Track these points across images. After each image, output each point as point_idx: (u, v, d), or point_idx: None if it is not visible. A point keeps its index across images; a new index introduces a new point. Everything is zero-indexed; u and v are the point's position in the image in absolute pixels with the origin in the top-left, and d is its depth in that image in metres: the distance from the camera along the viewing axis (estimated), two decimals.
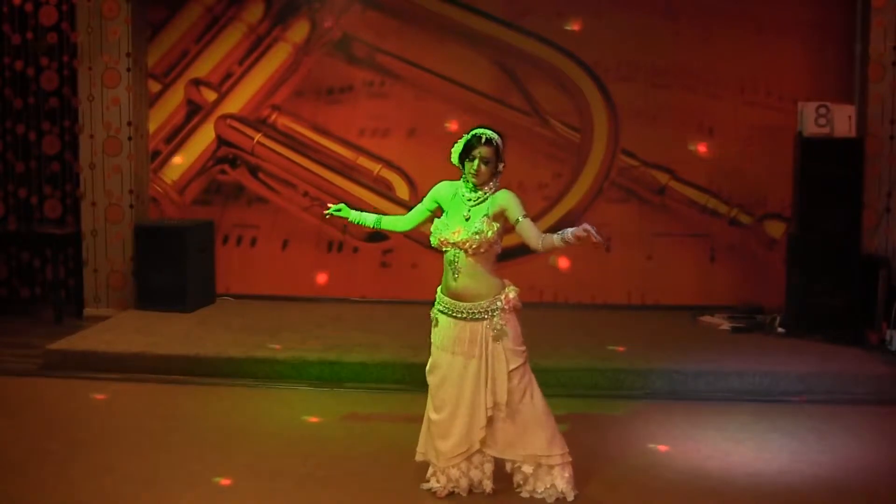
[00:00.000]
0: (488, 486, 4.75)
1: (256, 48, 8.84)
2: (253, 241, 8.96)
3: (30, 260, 9.00)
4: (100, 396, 6.45)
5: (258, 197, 8.92)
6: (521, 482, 4.74)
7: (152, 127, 8.90)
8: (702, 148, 8.42)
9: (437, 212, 4.92)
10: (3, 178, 8.96)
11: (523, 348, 4.72)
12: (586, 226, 4.39)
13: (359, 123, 8.80)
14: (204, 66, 8.89)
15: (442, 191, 4.84)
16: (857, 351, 7.15)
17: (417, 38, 8.69)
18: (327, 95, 8.81)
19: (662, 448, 5.50)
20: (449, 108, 8.58)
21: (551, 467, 4.69)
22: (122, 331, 7.66)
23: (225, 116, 8.90)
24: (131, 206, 8.61)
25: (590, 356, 7.01)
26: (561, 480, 4.69)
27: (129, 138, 8.56)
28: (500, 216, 4.65)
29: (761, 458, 5.32)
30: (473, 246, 4.63)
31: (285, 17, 8.80)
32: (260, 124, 8.88)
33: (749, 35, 8.37)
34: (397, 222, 5.08)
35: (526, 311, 4.79)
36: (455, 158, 4.75)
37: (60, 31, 8.78)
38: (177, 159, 8.90)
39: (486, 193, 4.69)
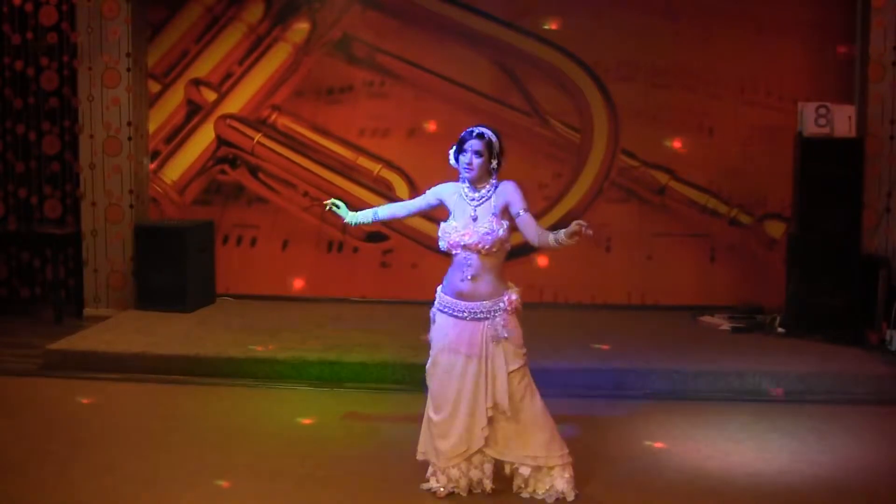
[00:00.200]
0: (488, 485, 4.75)
1: (256, 48, 8.84)
2: (253, 241, 8.96)
3: (30, 260, 9.00)
4: (99, 397, 6.44)
5: (258, 197, 8.92)
6: (522, 485, 4.74)
7: (152, 127, 8.90)
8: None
9: (438, 210, 4.90)
10: (3, 178, 8.96)
11: (524, 350, 4.71)
12: (578, 221, 4.40)
13: (359, 123, 8.79)
14: (204, 66, 8.89)
15: (445, 191, 4.82)
16: (857, 351, 7.15)
17: (417, 38, 8.69)
18: (327, 95, 8.81)
19: (662, 447, 5.50)
20: (449, 108, 8.57)
21: (551, 468, 4.69)
22: (122, 331, 7.66)
23: (225, 116, 8.90)
24: (131, 206, 8.61)
25: (590, 356, 7.02)
26: (560, 481, 4.69)
27: (129, 138, 8.57)
28: (507, 211, 4.65)
29: (761, 458, 5.32)
30: (486, 246, 4.61)
31: (285, 17, 8.80)
32: (260, 124, 8.88)
33: (749, 35, 8.37)
34: (397, 210, 5.08)
35: (526, 311, 4.79)
36: (451, 158, 4.74)
37: (60, 31, 8.77)
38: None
39: (488, 191, 4.69)
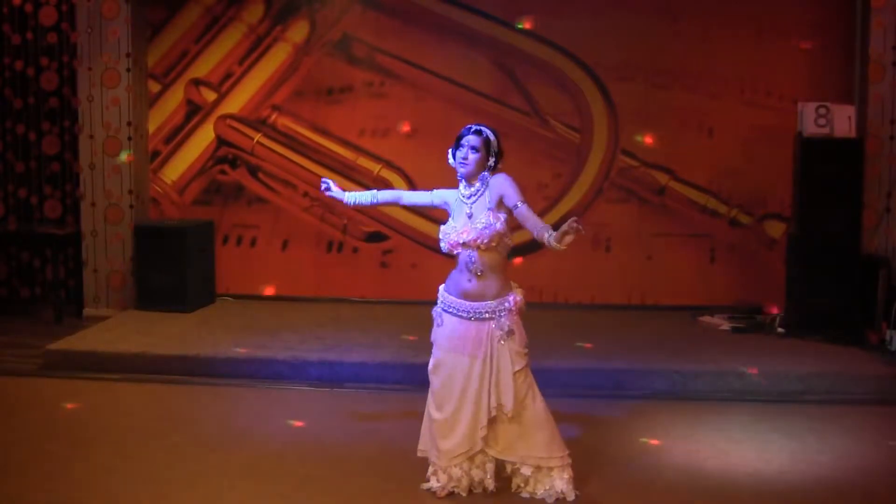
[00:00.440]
0: (490, 484, 4.75)
1: (256, 48, 8.84)
2: (253, 242, 8.96)
3: (30, 260, 9.00)
4: (99, 397, 6.44)
5: (258, 197, 8.92)
6: (522, 484, 4.74)
7: (152, 127, 8.90)
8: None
9: (438, 211, 4.89)
10: (3, 178, 8.96)
11: (527, 350, 4.72)
12: (569, 221, 4.32)
13: (359, 123, 8.80)
14: (204, 66, 8.89)
15: (448, 195, 4.81)
16: (857, 351, 7.15)
17: (417, 38, 8.69)
18: (327, 95, 8.81)
19: (662, 447, 5.50)
20: (449, 108, 8.57)
21: (551, 469, 4.69)
22: (122, 331, 7.67)
23: (225, 116, 8.90)
24: (131, 207, 8.61)
25: (590, 356, 7.02)
26: (561, 482, 4.69)
27: (129, 138, 8.57)
28: (503, 204, 4.63)
29: (761, 458, 5.32)
30: (485, 241, 4.61)
31: (285, 17, 8.80)
32: (260, 124, 8.88)
33: (749, 35, 8.37)
34: (398, 197, 5.14)
35: (526, 311, 4.79)
36: (449, 156, 4.74)
37: (60, 31, 8.77)
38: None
39: (480, 186, 4.67)
